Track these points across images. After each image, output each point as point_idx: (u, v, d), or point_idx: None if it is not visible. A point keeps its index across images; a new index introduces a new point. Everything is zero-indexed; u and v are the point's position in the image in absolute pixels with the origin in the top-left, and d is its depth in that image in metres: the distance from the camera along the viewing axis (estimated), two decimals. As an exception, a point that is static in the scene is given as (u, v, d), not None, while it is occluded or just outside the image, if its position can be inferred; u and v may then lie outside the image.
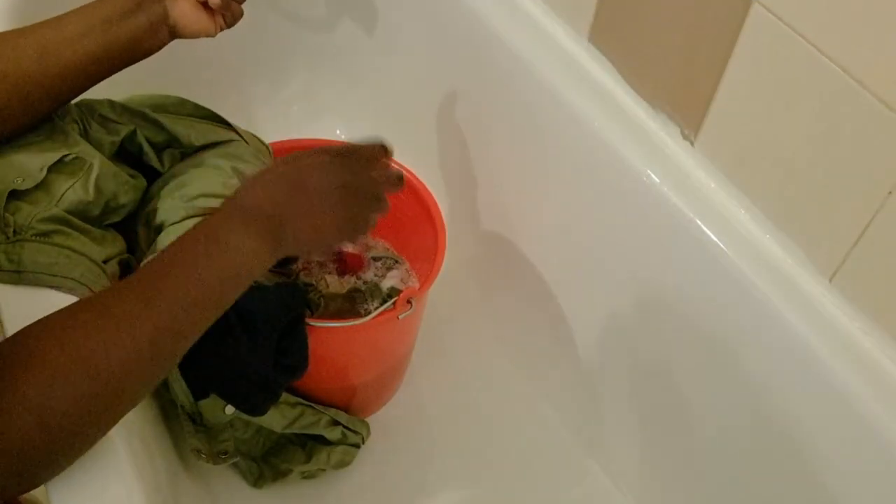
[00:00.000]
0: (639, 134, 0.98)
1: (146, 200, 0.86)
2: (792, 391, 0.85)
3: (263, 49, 1.40)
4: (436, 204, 1.14)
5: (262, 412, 0.90)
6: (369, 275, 1.18)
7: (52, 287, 0.71)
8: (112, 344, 0.58)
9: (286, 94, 1.46)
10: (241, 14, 0.91)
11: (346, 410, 1.09)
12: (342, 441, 1.06)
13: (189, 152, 0.91)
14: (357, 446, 1.08)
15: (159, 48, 0.84)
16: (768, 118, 0.84)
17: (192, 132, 0.91)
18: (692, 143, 0.95)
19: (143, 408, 0.83)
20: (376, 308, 1.00)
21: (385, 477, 1.12)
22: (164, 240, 0.81)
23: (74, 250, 0.73)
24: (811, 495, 0.85)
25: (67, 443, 0.58)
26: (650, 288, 1.00)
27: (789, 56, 0.79)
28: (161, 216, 0.83)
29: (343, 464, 1.07)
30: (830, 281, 0.84)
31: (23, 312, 0.69)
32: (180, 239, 0.64)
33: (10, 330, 0.68)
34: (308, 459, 1.04)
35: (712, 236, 0.90)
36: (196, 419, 0.93)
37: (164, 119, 0.89)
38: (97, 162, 0.79)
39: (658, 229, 0.96)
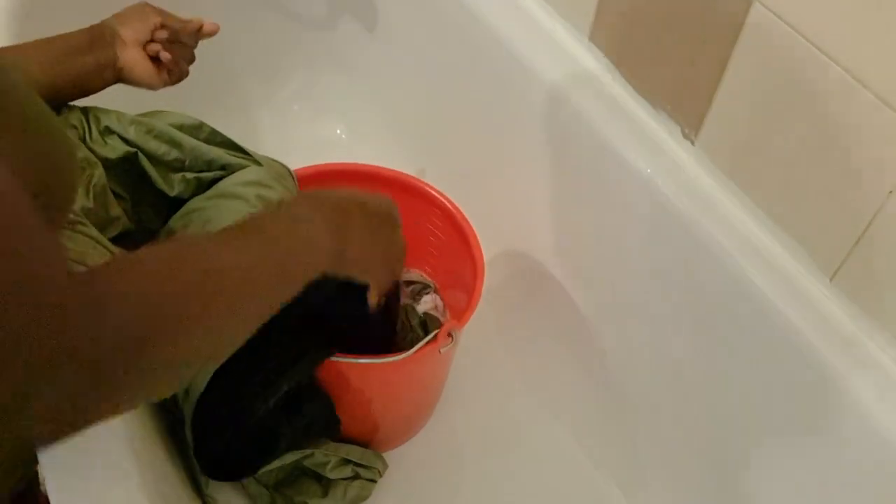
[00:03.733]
0: (639, 133, 0.98)
1: (166, 235, 0.86)
2: (792, 390, 0.85)
3: (263, 49, 1.40)
4: (471, 228, 1.06)
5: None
6: (404, 299, 1.15)
7: None
8: (218, 256, 0.52)
9: (286, 94, 1.46)
10: (187, 74, 0.93)
11: (369, 443, 1.05)
12: (356, 477, 1.03)
13: (199, 170, 0.90)
14: (373, 481, 1.04)
15: (103, 88, 0.86)
16: (769, 117, 0.84)
17: (203, 149, 0.90)
18: (693, 142, 0.95)
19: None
20: (416, 335, 0.97)
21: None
22: None
23: (98, 242, 0.75)
24: (812, 496, 0.85)
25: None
26: (649, 286, 1.01)
27: (789, 55, 0.79)
28: None
29: (360, 498, 1.03)
30: (831, 280, 0.84)
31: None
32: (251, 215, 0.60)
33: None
34: (325, 494, 1.01)
35: (712, 235, 0.90)
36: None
37: (176, 134, 0.88)
38: (98, 171, 0.80)
39: (658, 228, 0.96)
